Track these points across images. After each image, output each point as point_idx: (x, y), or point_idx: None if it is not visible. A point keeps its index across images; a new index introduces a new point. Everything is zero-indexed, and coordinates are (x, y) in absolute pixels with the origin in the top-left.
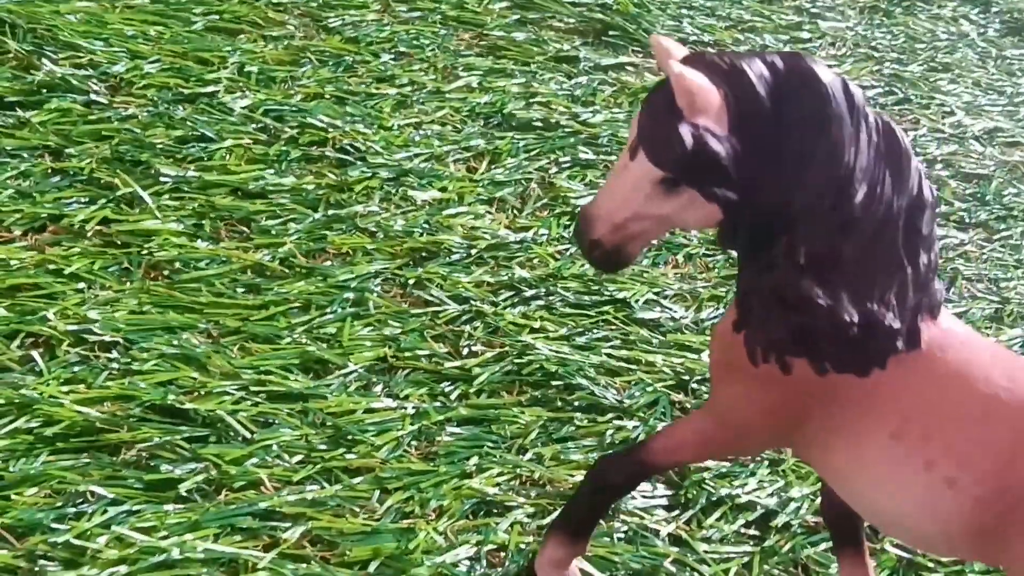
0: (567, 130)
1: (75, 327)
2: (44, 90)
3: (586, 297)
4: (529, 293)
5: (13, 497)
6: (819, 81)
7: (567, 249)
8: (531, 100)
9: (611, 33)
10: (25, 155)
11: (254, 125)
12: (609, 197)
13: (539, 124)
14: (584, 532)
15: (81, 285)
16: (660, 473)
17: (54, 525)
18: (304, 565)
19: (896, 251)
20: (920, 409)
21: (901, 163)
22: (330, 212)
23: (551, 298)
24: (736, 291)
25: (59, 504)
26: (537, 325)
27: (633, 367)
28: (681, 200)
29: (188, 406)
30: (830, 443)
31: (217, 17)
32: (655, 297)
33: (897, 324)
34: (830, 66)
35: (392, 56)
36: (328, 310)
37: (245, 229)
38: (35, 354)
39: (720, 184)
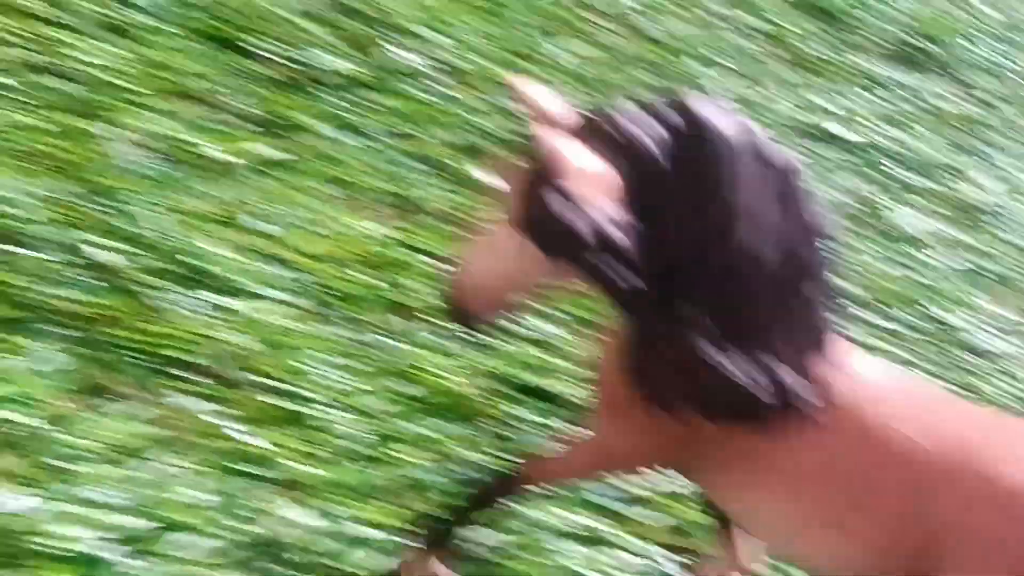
0: (882, 150)
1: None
2: (394, 74)
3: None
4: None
5: (399, 456)
6: (715, 136)
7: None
8: (843, 118)
9: (921, 56)
10: (376, 135)
11: None
12: (486, 274)
13: (852, 142)
14: (445, 538)
15: (430, 261)
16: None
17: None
18: None
19: (792, 297)
20: (823, 464)
21: (797, 202)
22: None
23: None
24: (630, 337)
25: (448, 467)
26: None
27: None
28: (553, 267)
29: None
30: (724, 483)
31: (536, 16)
32: None
33: (798, 384)
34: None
35: (700, 62)
36: None
37: None
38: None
39: (618, 268)
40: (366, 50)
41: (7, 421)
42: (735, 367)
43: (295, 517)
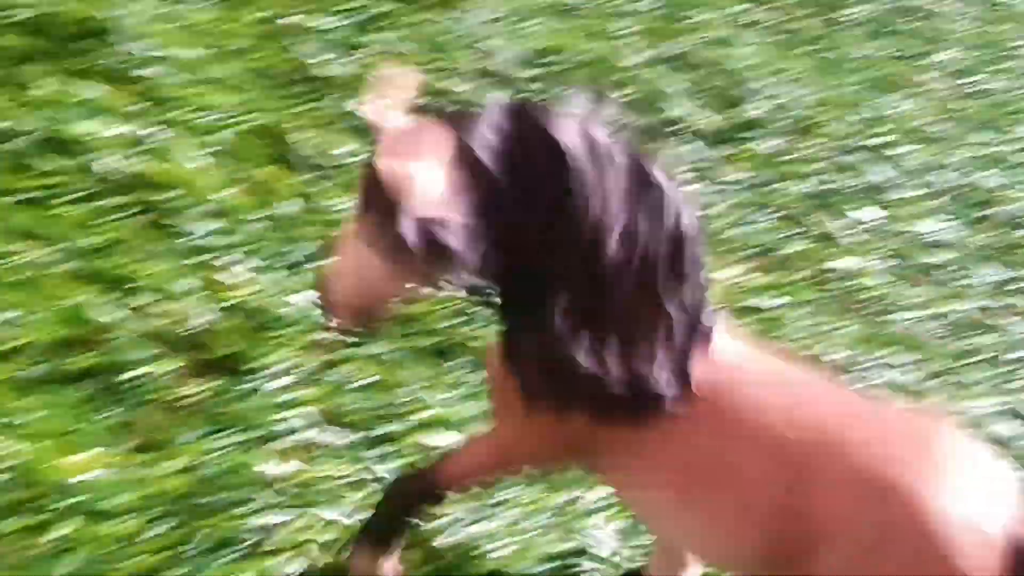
0: None
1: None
2: (748, 129)
3: None
4: None
5: None
6: (551, 139)
7: None
8: None
9: None
10: (736, 187)
11: (918, 180)
12: (345, 284)
13: None
14: (389, 544)
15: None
16: (450, 492)
17: None
18: None
19: (659, 297)
20: (699, 460)
21: (656, 202)
22: None
23: None
24: (499, 337)
25: None
26: None
27: None
28: (417, 266)
29: None
30: (616, 479)
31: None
32: None
33: (665, 379)
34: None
35: None
36: None
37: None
38: None
39: (460, 268)
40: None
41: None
42: (591, 362)
43: None
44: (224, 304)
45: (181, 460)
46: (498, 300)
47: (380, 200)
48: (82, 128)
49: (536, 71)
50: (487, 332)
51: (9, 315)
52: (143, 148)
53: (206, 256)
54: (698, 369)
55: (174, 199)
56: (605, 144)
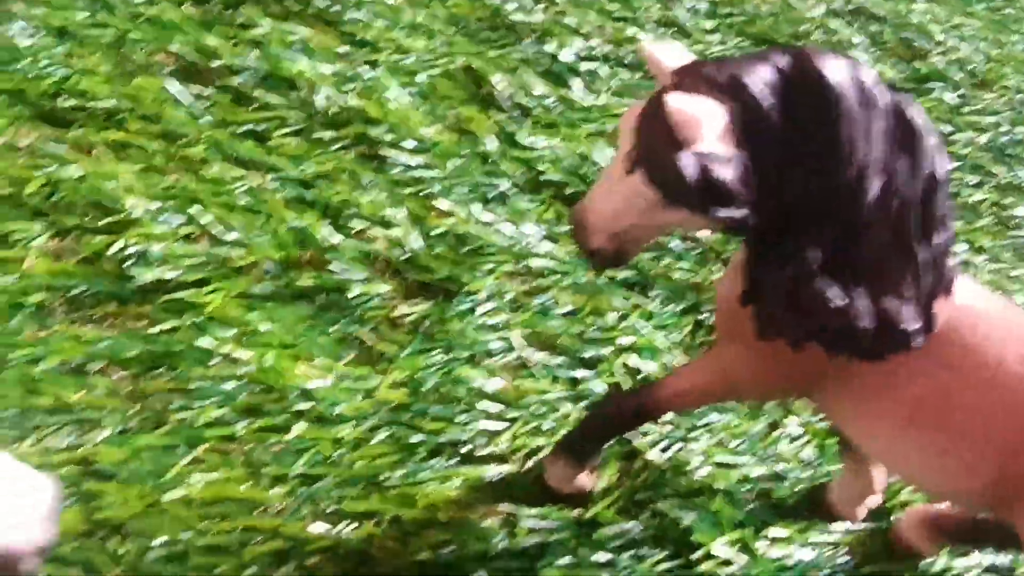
0: None
1: None
2: (927, 81)
3: None
4: None
5: None
6: (826, 82)
7: None
8: None
9: None
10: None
11: None
12: (605, 207)
13: None
14: (587, 458)
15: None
16: (663, 414)
17: None
18: None
19: (911, 240)
20: (934, 395)
21: (915, 146)
22: None
23: None
24: (745, 268)
25: None
26: None
27: None
28: (683, 214)
29: None
30: (845, 412)
31: None
32: None
33: (913, 321)
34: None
35: None
36: None
37: None
38: None
39: (727, 205)
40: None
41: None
42: (841, 297)
43: None
44: (434, 232)
45: (399, 374)
46: (752, 234)
47: (661, 134)
48: (297, 66)
49: (717, 22)
50: (685, 265)
51: (238, 236)
52: (353, 87)
53: (415, 188)
54: (941, 309)
55: (383, 134)
56: (872, 88)
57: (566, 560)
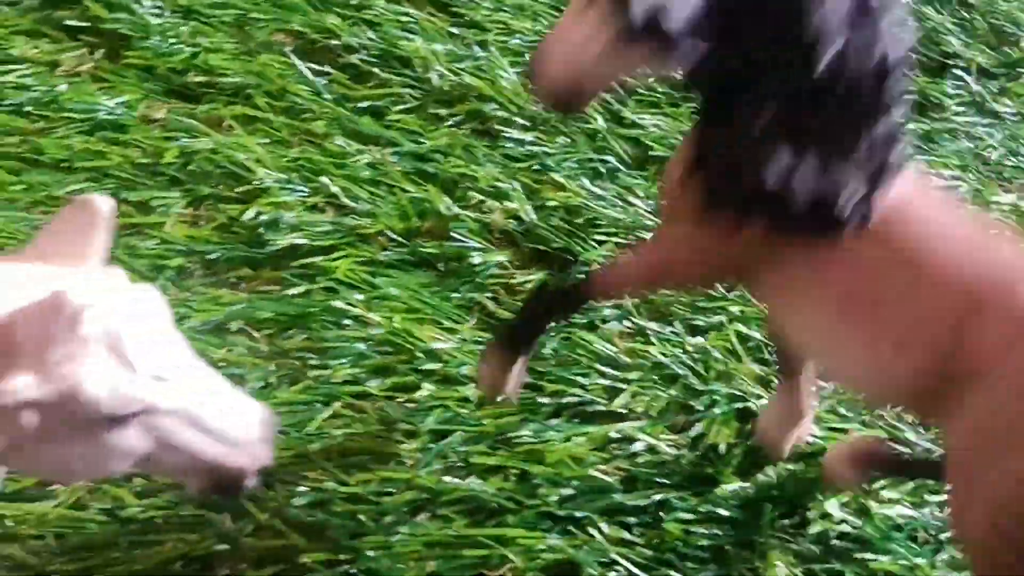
0: None
1: None
2: (1020, 65)
3: None
4: None
5: None
6: None
7: None
8: None
9: None
10: (1013, 118)
11: None
12: (564, 47)
13: None
14: (520, 348)
15: None
16: (605, 299)
17: None
18: None
19: (862, 115)
20: (870, 282)
21: (871, 24)
22: None
23: None
24: (693, 132)
25: None
26: None
27: None
28: (640, 53)
29: None
30: (777, 297)
31: None
32: None
33: (857, 197)
34: None
35: None
36: None
37: None
38: None
39: (677, 59)
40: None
41: None
42: (782, 172)
43: None
44: (547, 204)
45: None
46: (700, 100)
47: None
48: (412, 45)
49: None
50: None
51: (364, 206)
52: (465, 65)
53: (527, 162)
54: (883, 198)
55: (495, 110)
56: None
57: (687, 516)
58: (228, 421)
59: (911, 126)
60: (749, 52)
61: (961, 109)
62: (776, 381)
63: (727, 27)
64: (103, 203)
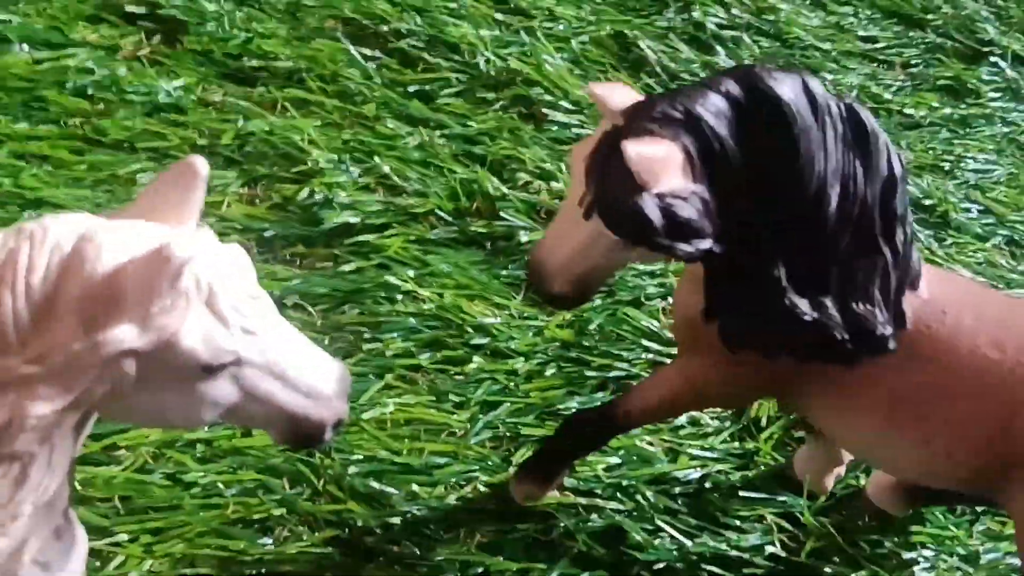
0: None
1: None
2: None
3: None
4: None
5: None
6: (779, 102)
7: None
8: None
9: None
10: None
11: None
12: (564, 252)
13: None
14: (554, 476)
15: None
16: (632, 428)
17: None
18: None
19: (875, 241)
20: (911, 389)
21: (869, 147)
22: None
23: None
24: (707, 287)
25: None
26: None
27: None
28: (645, 251)
29: None
30: (819, 411)
31: None
32: None
33: (885, 325)
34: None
35: None
36: None
37: None
38: None
39: (691, 240)
40: None
41: None
42: (814, 309)
43: None
44: None
45: (564, 315)
46: (715, 257)
47: (618, 179)
48: (459, 31)
49: None
50: None
51: (415, 186)
52: (511, 51)
53: (572, 144)
54: (911, 306)
55: (541, 95)
56: (822, 97)
57: (725, 489)
58: (309, 376)
59: (948, 111)
60: (757, 225)
61: (997, 95)
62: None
63: (731, 212)
64: (202, 165)
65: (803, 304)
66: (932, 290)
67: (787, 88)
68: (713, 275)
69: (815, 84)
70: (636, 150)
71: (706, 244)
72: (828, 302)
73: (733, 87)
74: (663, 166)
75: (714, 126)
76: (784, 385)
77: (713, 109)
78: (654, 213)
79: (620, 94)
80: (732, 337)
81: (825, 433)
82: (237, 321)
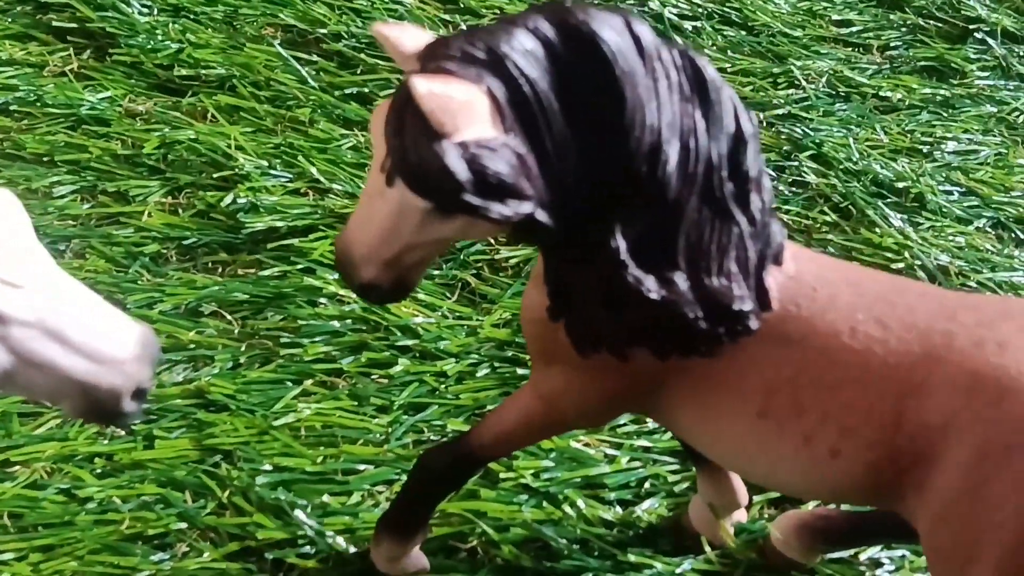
0: None
1: None
2: None
3: None
4: None
5: None
6: (597, 42)
7: None
8: None
9: None
10: None
11: None
12: (369, 232)
13: None
14: (413, 532)
15: None
16: (491, 461)
17: None
18: None
19: (726, 206)
20: (785, 379)
21: (710, 99)
22: None
23: None
24: (546, 276)
25: None
26: None
27: None
28: (460, 221)
29: None
30: (686, 417)
31: None
32: None
33: (744, 300)
34: None
35: None
36: None
37: None
38: None
39: (506, 199)
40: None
41: None
42: (663, 288)
43: None
44: None
45: (501, 314)
46: (546, 235)
47: (415, 130)
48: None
49: None
50: (793, 209)
51: (345, 187)
52: None
53: None
54: (775, 281)
55: None
56: (650, 40)
57: (663, 495)
58: (98, 338)
59: (928, 92)
60: (585, 188)
61: (984, 74)
62: (697, 470)
63: (551, 171)
64: None
65: (648, 280)
66: (800, 267)
67: (605, 25)
68: (549, 258)
69: (642, 27)
70: (427, 87)
71: (526, 208)
72: (677, 278)
73: (543, 24)
74: (464, 110)
75: (522, 67)
76: (647, 391)
77: (520, 48)
78: (458, 164)
79: (412, 35)
80: (580, 334)
81: (696, 446)
82: None
